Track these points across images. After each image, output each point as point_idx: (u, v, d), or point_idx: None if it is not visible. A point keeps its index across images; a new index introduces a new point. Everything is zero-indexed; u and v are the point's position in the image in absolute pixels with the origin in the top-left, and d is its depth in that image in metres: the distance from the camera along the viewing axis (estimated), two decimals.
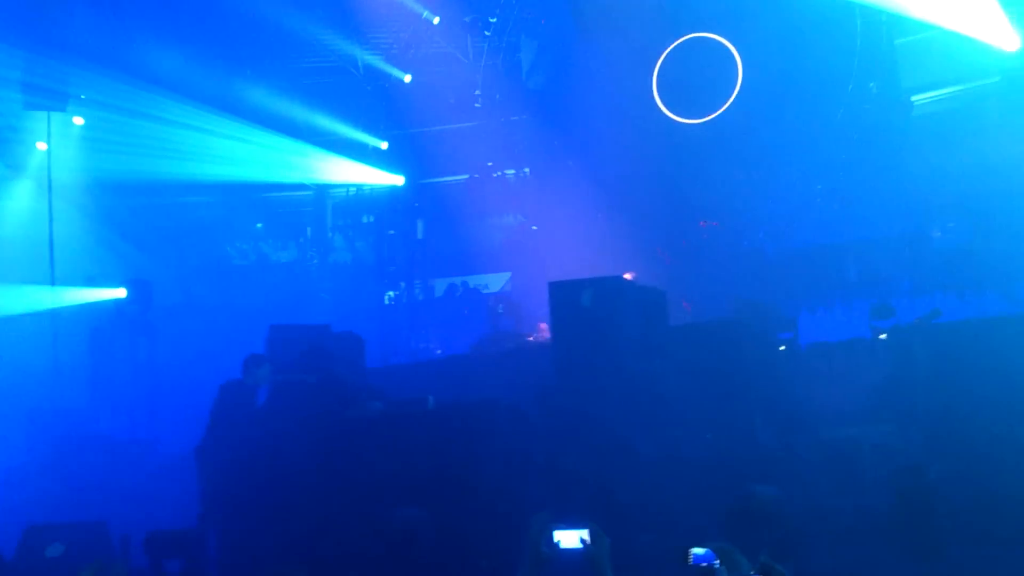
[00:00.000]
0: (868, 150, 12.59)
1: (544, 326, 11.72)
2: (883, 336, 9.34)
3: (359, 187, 18.04)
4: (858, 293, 11.79)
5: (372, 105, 17.89)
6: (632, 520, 7.06)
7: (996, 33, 11.75)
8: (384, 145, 17.81)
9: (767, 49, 13.50)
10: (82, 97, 15.74)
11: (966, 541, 6.00)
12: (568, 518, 4.32)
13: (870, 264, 11.96)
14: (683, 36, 14.25)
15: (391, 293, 16.80)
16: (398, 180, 17.50)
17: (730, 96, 13.81)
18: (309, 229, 18.63)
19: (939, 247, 11.95)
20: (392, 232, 17.11)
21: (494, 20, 15.65)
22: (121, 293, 13.91)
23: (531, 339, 11.96)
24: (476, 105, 15.81)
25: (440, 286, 16.91)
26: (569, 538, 4.17)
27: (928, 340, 8.34)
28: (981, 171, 11.69)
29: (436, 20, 16.78)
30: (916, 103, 12.96)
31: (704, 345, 9.00)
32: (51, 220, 15.07)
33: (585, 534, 4.14)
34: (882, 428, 7.76)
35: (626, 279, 9.34)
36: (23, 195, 16.60)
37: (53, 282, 14.70)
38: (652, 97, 14.30)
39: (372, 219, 17.86)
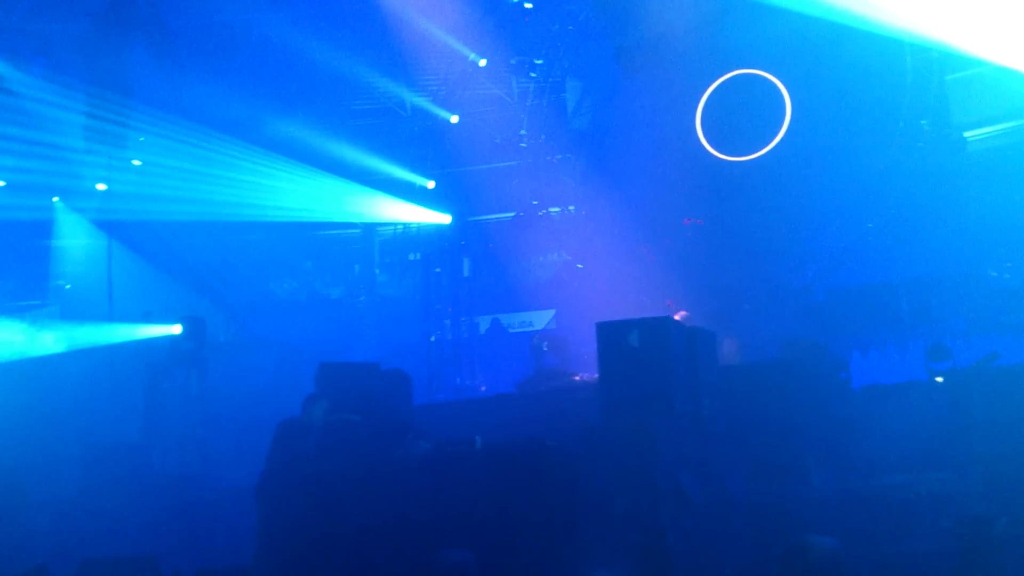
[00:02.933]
0: (920, 187, 12.40)
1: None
2: (939, 379, 9.14)
3: (406, 225, 18.22)
4: (912, 335, 11.54)
5: (420, 145, 18.09)
6: (680, 566, 6.95)
7: None
8: (431, 184, 17.99)
9: (815, 85, 13.41)
10: (141, 139, 16.15)
11: None
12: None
13: (924, 304, 11.71)
14: (728, 73, 14.23)
15: (440, 333, 16.85)
16: (445, 219, 17.64)
17: (777, 133, 13.73)
18: (357, 267, 18.83)
19: (995, 286, 11.67)
20: (438, 270, 17.22)
21: (540, 62, 15.80)
22: (176, 329, 14.14)
23: (576, 378, 11.90)
24: (522, 145, 15.94)
25: (485, 323, 16.93)
26: None
27: (987, 383, 8.17)
28: None
29: (483, 62, 16.99)
30: (969, 139, 12.75)
31: (754, 386, 8.90)
32: (110, 258, 15.41)
33: None
34: (940, 475, 7.57)
35: (675, 319, 9.25)
36: (83, 234, 17.04)
37: (111, 318, 15.00)
38: (696, 135, 14.28)
39: (418, 256, 18.01)
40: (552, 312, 16.66)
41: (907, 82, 12.69)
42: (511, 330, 16.31)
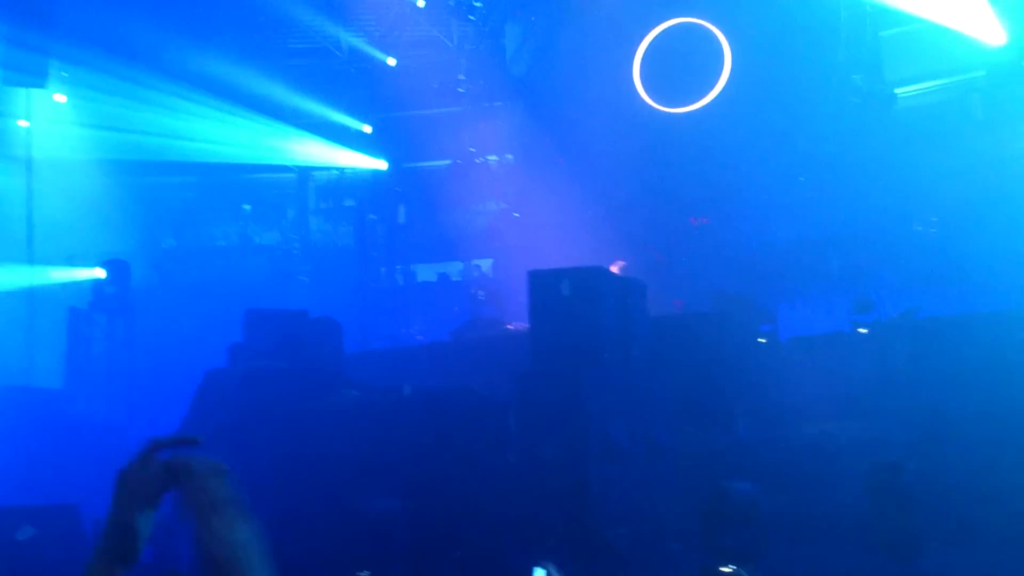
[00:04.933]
0: (852, 143, 12.52)
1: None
2: (863, 330, 9.33)
3: (341, 170, 17.90)
4: (839, 287, 11.74)
5: (356, 88, 17.74)
6: (607, 512, 7.04)
7: (982, 27, 11.70)
8: (367, 128, 17.67)
9: (753, 37, 13.38)
10: (64, 75, 15.58)
11: (941, 540, 5.98)
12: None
13: (851, 258, 11.90)
14: (668, 21, 14.11)
15: (375, 282, 16.66)
16: (381, 164, 17.37)
17: (715, 85, 13.70)
18: (291, 212, 18.50)
19: (920, 242, 11.90)
20: (373, 216, 16.99)
21: (479, 5, 15.49)
22: (99, 273, 13.77)
23: (510, 327, 11.89)
24: (460, 90, 15.68)
25: (421, 272, 16.81)
26: None
27: (908, 335, 8.37)
28: (965, 166, 11.66)
29: (421, 3, 16.64)
30: (900, 96, 12.89)
31: (684, 337, 8.99)
32: (30, 198, 14.90)
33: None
34: (860, 423, 7.77)
35: (608, 269, 9.27)
36: (3, 173, 16.43)
37: (31, 261, 14.54)
38: (633, 85, 14.19)
39: (354, 203, 17.72)
40: (489, 261, 16.60)
41: (841, 37, 12.74)
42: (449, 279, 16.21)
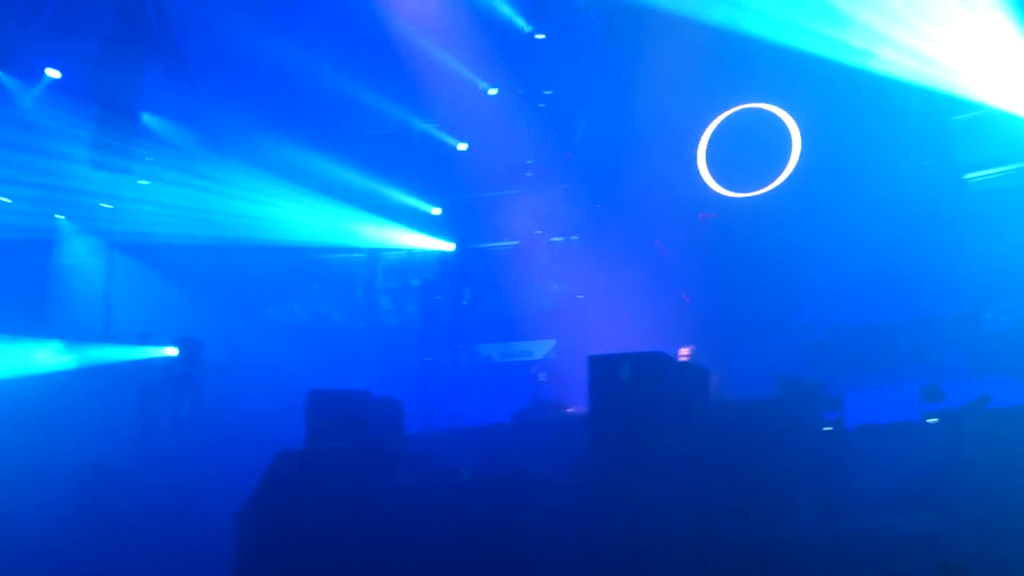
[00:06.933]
0: (922, 228, 12.37)
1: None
2: (933, 420, 9.06)
3: (410, 251, 18.23)
4: (908, 375, 11.44)
5: (426, 172, 18.17)
6: None
7: None
8: (437, 211, 18.03)
9: (822, 123, 13.43)
10: (149, 159, 16.25)
11: None
12: None
13: (921, 345, 11.63)
14: (735, 107, 14.24)
15: (438, 361, 16.77)
16: (448, 246, 17.65)
17: (783, 170, 13.71)
18: (359, 291, 18.82)
19: (993, 329, 11.57)
20: (439, 297, 17.20)
21: (548, 92, 15.87)
22: (172, 351, 14.15)
23: (571, 410, 11.84)
24: (527, 174, 15.94)
25: (485, 351, 16.86)
26: None
27: (979, 425, 8.09)
28: None
29: (493, 91, 17.12)
30: (971, 181, 12.74)
31: (747, 424, 8.82)
32: (109, 278, 15.46)
33: None
34: (928, 516, 7.47)
35: (668, 355, 9.20)
36: (86, 253, 17.11)
37: (108, 339, 15.02)
38: (698, 169, 14.28)
39: (420, 283, 17.98)
40: (552, 342, 16.58)
41: (912, 123, 12.69)
42: (510, 359, 16.23)
